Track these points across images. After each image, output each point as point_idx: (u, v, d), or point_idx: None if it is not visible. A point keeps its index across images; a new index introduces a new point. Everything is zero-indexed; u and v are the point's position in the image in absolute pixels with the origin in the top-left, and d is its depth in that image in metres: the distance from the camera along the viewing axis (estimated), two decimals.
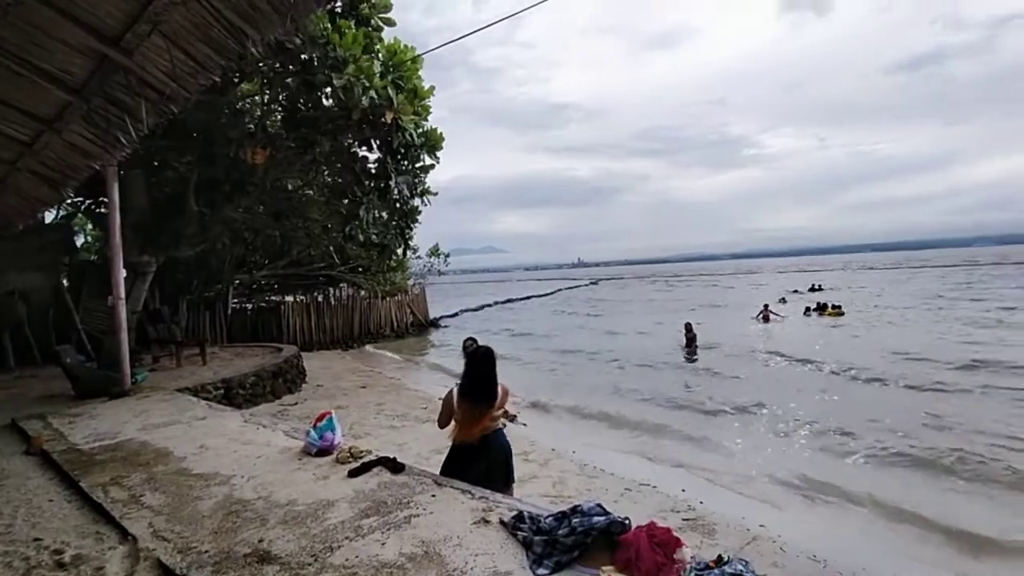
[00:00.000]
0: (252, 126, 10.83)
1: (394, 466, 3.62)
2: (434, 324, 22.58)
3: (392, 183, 11.04)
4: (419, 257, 23.82)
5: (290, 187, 13.68)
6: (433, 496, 3.20)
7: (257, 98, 11.27)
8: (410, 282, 22.65)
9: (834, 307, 20.90)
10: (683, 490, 5.30)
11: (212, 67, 3.01)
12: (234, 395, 7.65)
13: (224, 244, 13.06)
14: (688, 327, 13.48)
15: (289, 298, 17.67)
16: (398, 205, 12.42)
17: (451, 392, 3.42)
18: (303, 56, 8.75)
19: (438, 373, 12.50)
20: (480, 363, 3.33)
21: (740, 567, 2.06)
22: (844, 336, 15.93)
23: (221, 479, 3.68)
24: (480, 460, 3.38)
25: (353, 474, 3.53)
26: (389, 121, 9.80)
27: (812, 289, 32.85)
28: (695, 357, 12.71)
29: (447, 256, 25.42)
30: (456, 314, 28.64)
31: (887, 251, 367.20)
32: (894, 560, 4.14)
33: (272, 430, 4.94)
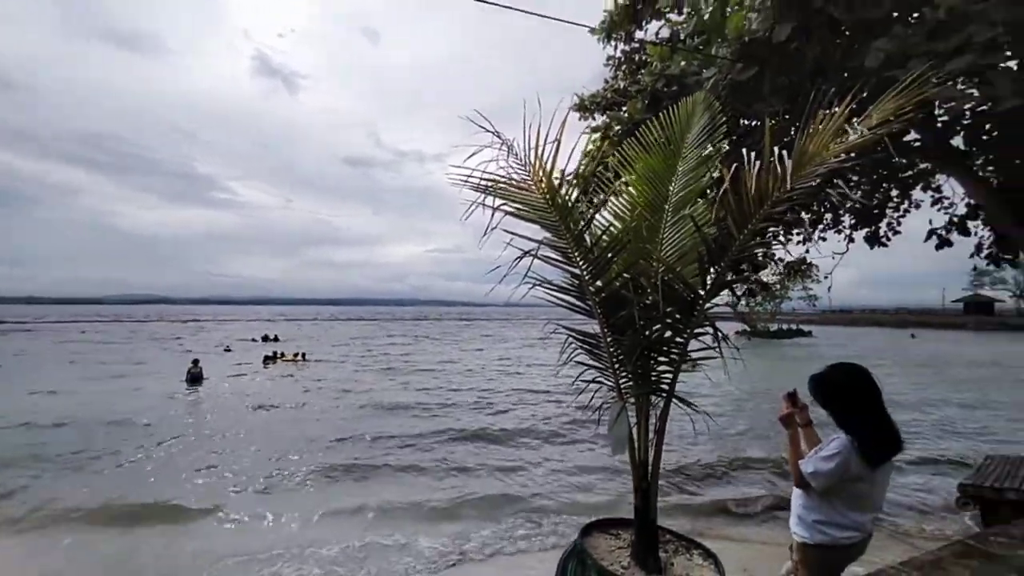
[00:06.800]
0: None
1: None
2: None
3: None
4: None
5: None
6: None
7: None
8: None
9: (295, 355, 21.96)
10: None
11: None
12: None
13: None
14: None
15: None
16: None
17: None
18: None
19: None
20: None
21: None
22: (296, 383, 16.19)
23: None
24: None
25: None
26: None
27: (267, 339, 32.77)
28: None
29: None
30: None
31: (337, 304, 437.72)
32: None
33: None
